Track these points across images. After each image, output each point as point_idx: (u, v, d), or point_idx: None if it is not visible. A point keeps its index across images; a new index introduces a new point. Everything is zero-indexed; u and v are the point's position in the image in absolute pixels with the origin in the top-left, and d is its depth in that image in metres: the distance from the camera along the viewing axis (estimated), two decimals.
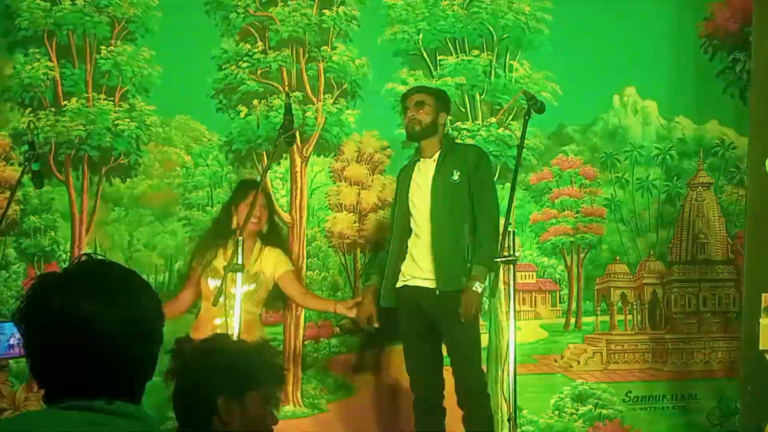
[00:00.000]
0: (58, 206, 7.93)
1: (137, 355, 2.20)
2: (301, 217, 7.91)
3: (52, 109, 8.06)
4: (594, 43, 7.89)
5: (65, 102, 8.06)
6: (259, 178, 6.89)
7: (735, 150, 7.88)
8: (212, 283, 6.71)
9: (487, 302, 7.70)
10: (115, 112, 8.04)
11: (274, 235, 7.11)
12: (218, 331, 6.37)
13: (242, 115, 8.03)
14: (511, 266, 6.02)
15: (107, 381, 2.15)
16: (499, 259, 5.96)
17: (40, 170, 7.02)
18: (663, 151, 7.94)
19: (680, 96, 7.95)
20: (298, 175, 7.95)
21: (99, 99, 8.06)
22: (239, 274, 6.10)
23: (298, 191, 7.90)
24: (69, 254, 7.96)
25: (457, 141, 7.47)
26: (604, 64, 7.90)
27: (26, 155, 6.98)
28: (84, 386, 2.14)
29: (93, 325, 2.13)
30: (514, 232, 6.08)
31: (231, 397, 3.23)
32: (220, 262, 6.69)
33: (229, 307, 6.28)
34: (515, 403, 5.98)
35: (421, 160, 6.85)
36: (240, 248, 6.07)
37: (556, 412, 7.73)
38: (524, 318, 7.64)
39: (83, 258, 2.26)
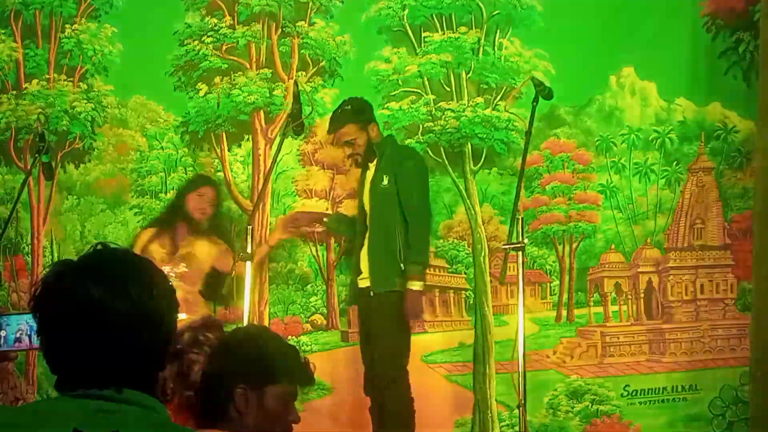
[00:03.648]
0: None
1: (148, 344, 2.19)
2: (264, 204, 7.43)
3: (14, 92, 7.69)
4: (590, 20, 7.48)
5: (26, 84, 7.69)
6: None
7: (738, 134, 7.43)
8: None
9: (472, 296, 7.36)
10: (74, 94, 7.62)
11: (215, 227, 6.98)
12: None
13: (201, 93, 7.60)
14: (520, 253, 5.85)
15: (118, 369, 2.14)
16: (507, 246, 5.86)
17: (50, 162, 6.81)
18: (662, 135, 7.50)
19: (681, 77, 7.50)
20: (262, 158, 7.48)
21: (59, 80, 7.69)
22: (248, 264, 6.01)
23: (261, 176, 7.41)
24: (30, 246, 7.52)
25: (401, 144, 7.13)
26: (600, 42, 7.46)
27: (36, 147, 6.73)
28: (95, 374, 2.13)
29: (104, 314, 2.13)
30: (522, 218, 5.85)
31: (250, 389, 3.18)
32: (156, 247, 6.62)
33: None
34: (525, 390, 5.80)
35: (369, 165, 6.74)
36: (249, 237, 6.00)
37: (551, 411, 7.35)
38: (512, 312, 7.19)
39: (98, 246, 2.27)
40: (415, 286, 6.35)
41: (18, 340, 3.32)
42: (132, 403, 2.13)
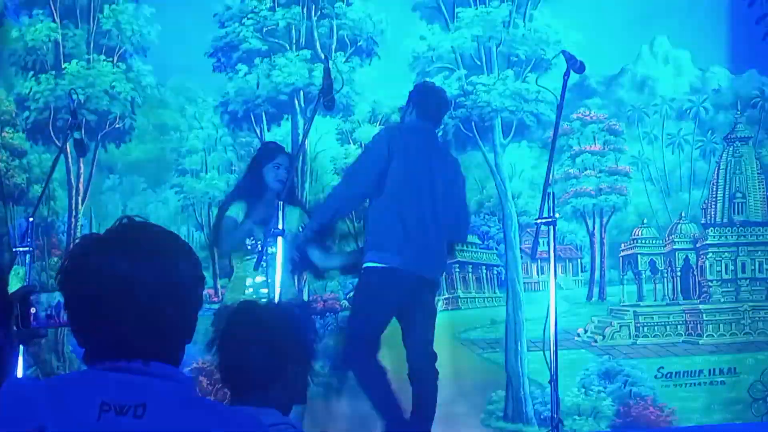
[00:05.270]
0: (56, 174, 7.46)
1: (174, 317, 2.21)
2: (302, 182, 7.43)
3: (53, 72, 7.78)
4: None
5: (65, 64, 7.78)
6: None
7: None
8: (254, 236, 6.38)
9: (504, 272, 7.22)
10: (113, 74, 7.71)
11: (292, 194, 6.81)
12: (252, 291, 6.26)
13: (241, 74, 7.64)
14: (551, 228, 5.65)
15: (144, 342, 2.17)
16: (538, 221, 5.68)
17: (82, 138, 6.78)
18: (696, 104, 7.28)
19: (716, 44, 7.29)
20: (300, 137, 7.46)
21: (99, 60, 7.76)
22: (280, 239, 5.85)
23: (300, 154, 7.40)
24: (66, 225, 7.65)
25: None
26: (632, 12, 7.32)
27: (68, 123, 6.73)
28: (122, 347, 2.16)
29: (129, 287, 2.15)
30: (554, 193, 5.67)
31: (299, 367, 3.24)
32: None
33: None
34: (557, 367, 5.57)
35: None
36: (281, 212, 5.85)
37: (583, 390, 7.13)
38: (542, 289, 7.03)
39: (124, 220, 2.27)
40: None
41: (49, 317, 3.37)
42: (159, 376, 2.16)
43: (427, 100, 6.59)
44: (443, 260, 6.44)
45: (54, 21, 7.79)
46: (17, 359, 4.48)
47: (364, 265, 6.21)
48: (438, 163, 6.49)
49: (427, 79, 7.10)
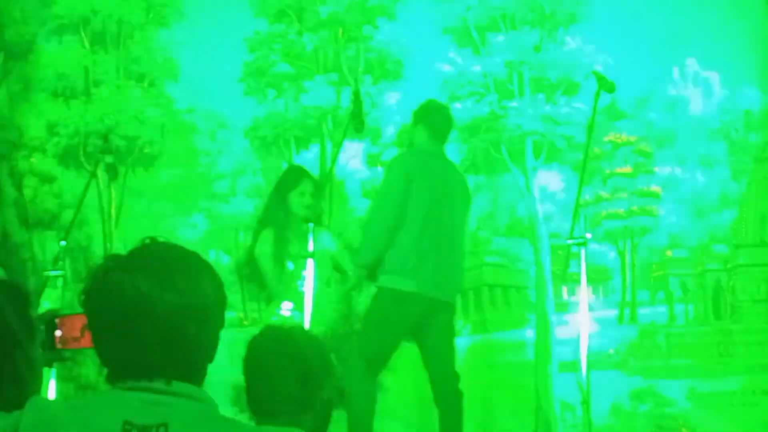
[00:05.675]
0: (88, 200, 7.54)
1: (196, 337, 2.18)
2: (331, 205, 7.43)
3: (83, 98, 7.84)
4: (651, 11, 7.32)
5: (95, 90, 7.85)
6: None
7: None
8: (290, 266, 6.32)
9: (533, 294, 7.21)
10: (143, 99, 7.79)
11: (319, 219, 6.62)
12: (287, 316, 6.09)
13: (270, 98, 7.69)
14: (582, 249, 5.51)
15: (166, 362, 2.15)
16: (569, 242, 5.43)
17: (114, 163, 6.61)
18: (727, 125, 7.25)
19: (746, 65, 7.26)
20: (329, 161, 7.50)
21: (129, 86, 7.82)
22: (311, 260, 5.75)
23: (329, 178, 7.43)
24: (103, 249, 7.70)
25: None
26: (661, 34, 7.31)
27: (100, 148, 6.54)
28: (144, 367, 2.14)
29: (150, 307, 2.13)
30: (585, 214, 5.70)
31: (330, 397, 3.21)
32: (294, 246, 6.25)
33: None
34: (589, 387, 5.43)
35: None
36: (311, 234, 5.74)
37: (614, 412, 7.07)
38: (573, 310, 6.99)
39: (147, 241, 2.25)
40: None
41: (75, 339, 3.37)
42: (181, 396, 2.16)
43: (436, 119, 6.52)
44: (459, 281, 6.40)
45: (84, 47, 7.86)
46: (41, 380, 4.48)
47: (379, 285, 6.22)
48: (452, 183, 6.49)
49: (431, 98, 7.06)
